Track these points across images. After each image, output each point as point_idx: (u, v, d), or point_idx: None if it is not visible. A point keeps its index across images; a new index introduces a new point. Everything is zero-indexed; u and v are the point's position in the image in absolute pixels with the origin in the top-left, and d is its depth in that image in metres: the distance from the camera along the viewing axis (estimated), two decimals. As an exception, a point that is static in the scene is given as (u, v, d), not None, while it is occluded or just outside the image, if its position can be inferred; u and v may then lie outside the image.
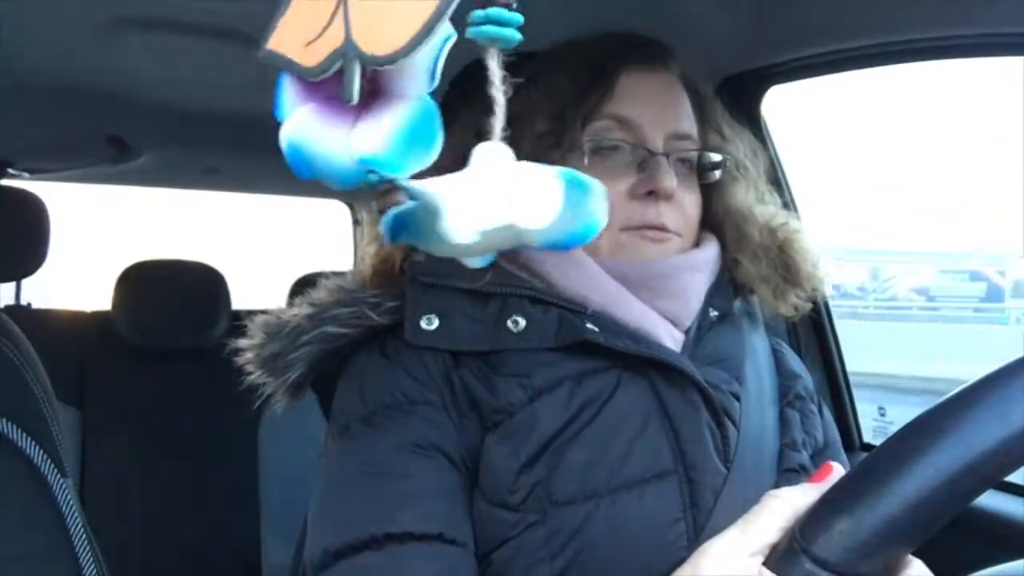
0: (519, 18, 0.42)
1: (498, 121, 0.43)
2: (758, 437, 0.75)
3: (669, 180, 0.75)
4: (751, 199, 0.83)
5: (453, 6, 0.39)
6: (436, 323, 0.73)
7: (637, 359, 0.73)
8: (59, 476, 0.78)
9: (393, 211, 0.45)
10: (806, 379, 0.87)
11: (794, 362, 0.88)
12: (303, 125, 0.43)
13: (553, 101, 0.75)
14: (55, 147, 1.80)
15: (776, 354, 0.86)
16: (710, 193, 0.82)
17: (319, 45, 0.41)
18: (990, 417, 0.44)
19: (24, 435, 0.76)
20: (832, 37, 1.07)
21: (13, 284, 1.96)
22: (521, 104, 0.74)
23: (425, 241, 0.44)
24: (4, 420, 0.75)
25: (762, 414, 0.78)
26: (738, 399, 0.76)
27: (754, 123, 1.23)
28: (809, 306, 0.84)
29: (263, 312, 0.79)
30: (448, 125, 0.43)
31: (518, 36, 0.42)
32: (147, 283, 1.84)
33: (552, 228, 0.43)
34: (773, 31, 1.09)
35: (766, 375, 0.82)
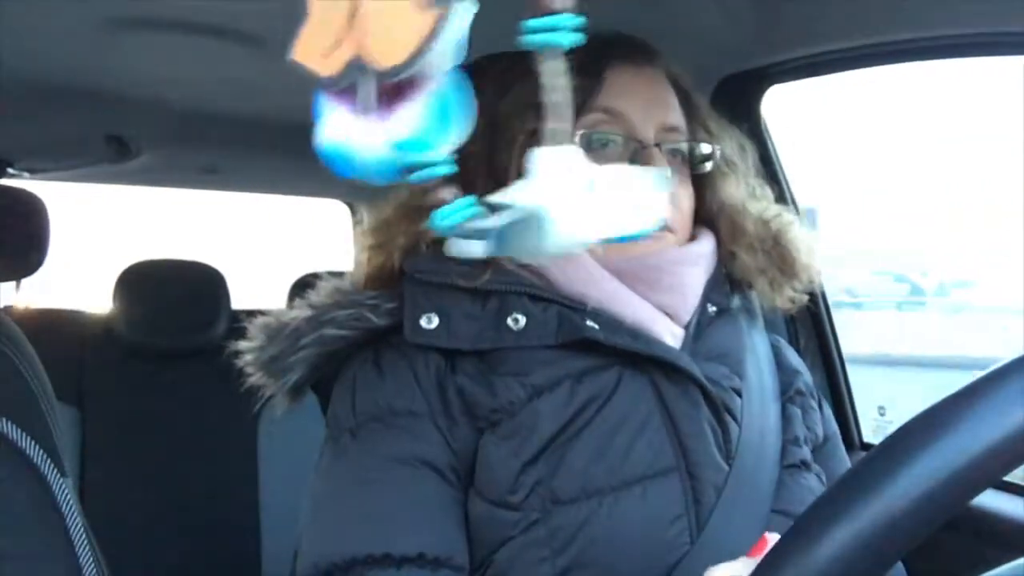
0: (571, 19, 0.42)
1: (562, 123, 0.43)
2: (760, 433, 0.76)
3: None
4: (743, 193, 0.83)
5: (456, 15, 0.39)
6: (436, 322, 0.73)
7: (637, 356, 0.73)
8: (59, 476, 0.78)
9: (477, 222, 0.44)
10: (805, 375, 0.87)
11: (793, 358, 0.88)
12: (338, 126, 0.43)
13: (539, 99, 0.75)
14: (55, 147, 1.80)
15: (775, 350, 0.87)
16: (702, 189, 0.82)
17: (335, 56, 0.42)
18: (985, 421, 0.44)
19: (24, 435, 0.76)
20: (832, 37, 1.07)
21: (13, 284, 1.95)
22: (510, 102, 0.74)
23: (505, 249, 0.44)
24: (4, 420, 0.75)
25: (764, 410, 0.78)
26: (739, 395, 0.76)
27: (754, 123, 1.23)
28: (806, 298, 0.85)
29: (263, 313, 0.79)
30: None
31: (572, 39, 0.42)
32: (147, 283, 1.84)
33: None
34: (773, 31, 1.09)
35: (767, 371, 0.82)
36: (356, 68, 0.41)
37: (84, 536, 0.78)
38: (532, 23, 0.42)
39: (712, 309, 0.81)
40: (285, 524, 1.70)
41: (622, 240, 0.45)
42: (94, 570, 0.77)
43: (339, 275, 0.81)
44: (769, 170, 1.14)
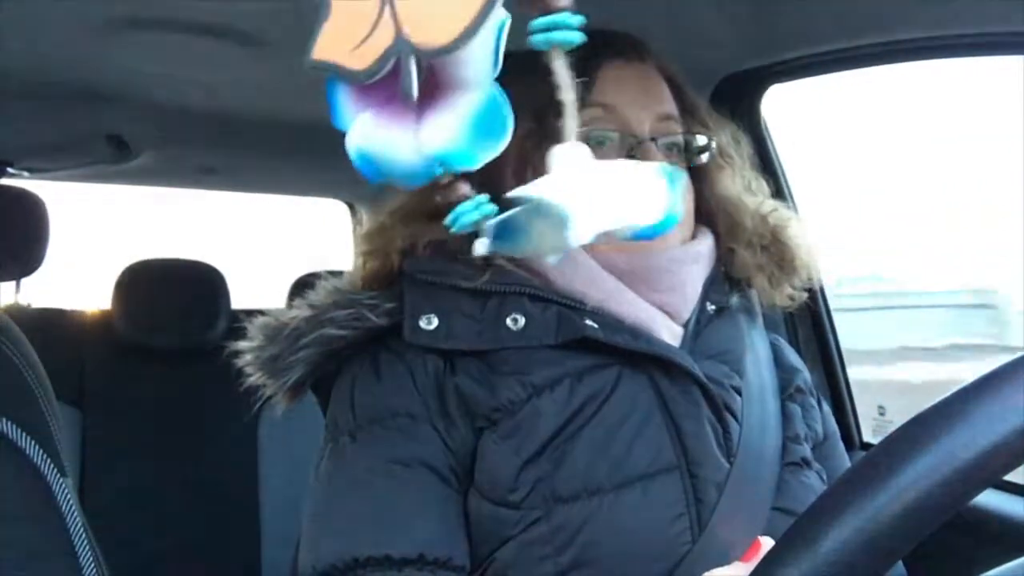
0: (579, 19, 0.42)
1: (571, 121, 0.44)
2: (760, 431, 0.76)
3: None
4: (739, 187, 0.83)
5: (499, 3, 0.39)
6: (435, 322, 0.73)
7: (637, 355, 0.73)
8: (59, 476, 0.78)
9: (497, 218, 0.45)
10: (805, 373, 0.87)
11: (792, 356, 0.89)
12: (368, 130, 0.43)
13: (535, 99, 0.75)
14: (55, 147, 1.80)
15: (774, 348, 0.87)
16: (699, 183, 0.82)
17: (367, 48, 0.41)
18: (985, 421, 0.44)
19: (24, 435, 0.76)
20: (832, 37, 1.07)
21: (13, 284, 1.95)
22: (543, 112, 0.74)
23: (527, 246, 0.44)
24: (4, 420, 0.75)
25: (764, 408, 0.78)
26: (739, 393, 0.76)
27: (754, 123, 1.23)
28: (805, 295, 0.85)
29: (262, 312, 0.79)
30: None
31: (579, 35, 0.43)
32: (147, 283, 1.84)
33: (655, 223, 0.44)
34: (773, 31, 1.09)
35: (766, 369, 0.82)
36: (396, 52, 0.40)
37: (84, 536, 0.78)
38: (538, 22, 0.42)
39: (711, 308, 0.81)
40: (285, 523, 1.70)
41: (638, 237, 0.45)
42: (94, 570, 0.77)
43: (339, 275, 0.81)
44: (769, 170, 1.14)
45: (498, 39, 0.40)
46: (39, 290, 1.93)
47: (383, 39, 0.40)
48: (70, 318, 1.84)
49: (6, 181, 1.79)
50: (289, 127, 1.56)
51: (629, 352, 0.72)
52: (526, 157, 0.72)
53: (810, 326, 1.32)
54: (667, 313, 0.76)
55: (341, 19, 0.43)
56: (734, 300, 0.84)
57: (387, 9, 0.41)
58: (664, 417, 0.71)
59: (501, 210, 0.45)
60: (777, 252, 0.82)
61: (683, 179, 0.45)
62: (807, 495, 0.73)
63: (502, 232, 0.45)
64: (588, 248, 0.75)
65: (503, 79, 0.43)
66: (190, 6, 1.05)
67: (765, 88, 1.23)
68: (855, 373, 1.35)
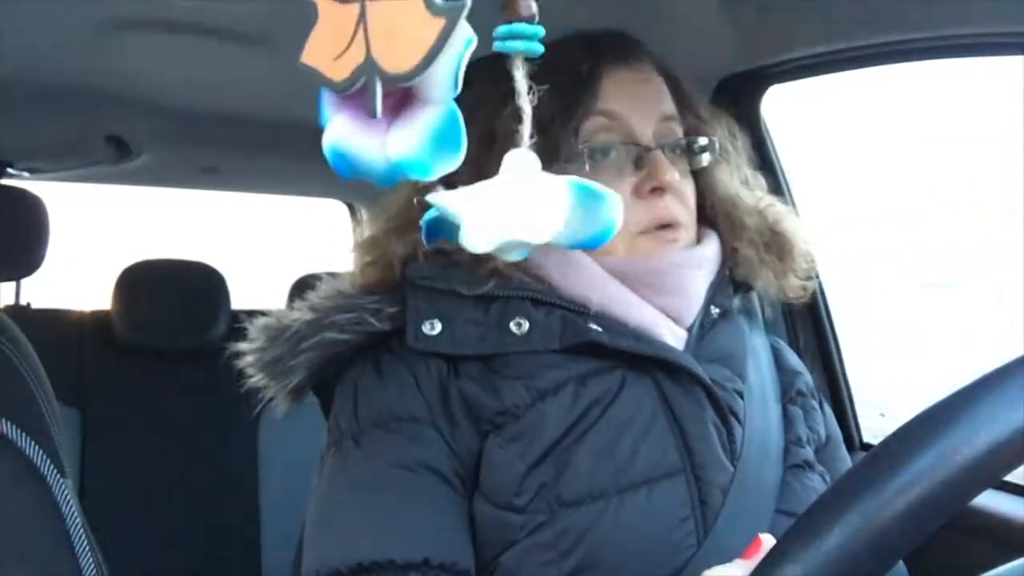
0: (540, 30, 0.44)
1: (526, 128, 0.46)
2: (764, 434, 0.76)
3: (670, 173, 0.75)
4: (736, 183, 0.83)
5: (459, 25, 0.41)
6: (438, 328, 0.72)
7: (641, 358, 0.73)
8: (59, 476, 0.78)
9: (427, 216, 0.49)
10: (806, 375, 0.87)
11: (793, 359, 0.89)
12: (342, 132, 0.45)
13: (538, 114, 0.74)
14: (55, 147, 1.80)
15: (775, 351, 0.87)
16: (698, 181, 0.82)
17: (344, 61, 0.43)
18: (984, 421, 0.44)
19: (24, 435, 0.76)
20: (831, 37, 1.07)
21: (13, 284, 1.95)
22: (505, 121, 0.73)
23: (458, 242, 0.47)
24: (4, 420, 0.75)
25: (766, 411, 0.78)
26: (742, 396, 0.76)
27: (754, 123, 1.23)
28: (810, 285, 0.84)
29: (263, 313, 0.79)
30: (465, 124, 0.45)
31: (540, 48, 0.44)
32: (147, 283, 1.84)
33: (564, 236, 0.46)
34: (773, 31, 1.09)
35: (767, 372, 0.82)
36: (365, 73, 0.43)
37: (84, 536, 0.78)
38: (501, 30, 0.44)
39: (715, 311, 0.81)
40: (285, 524, 1.70)
41: (576, 247, 0.48)
42: (94, 571, 0.77)
43: (339, 276, 0.80)
44: (769, 170, 1.14)
45: (461, 58, 0.42)
46: (39, 290, 1.93)
47: (356, 56, 0.43)
48: (70, 318, 1.85)
49: (6, 181, 1.79)
50: (289, 127, 1.56)
51: (633, 356, 0.72)
52: (480, 165, 0.72)
53: (810, 327, 1.32)
54: (671, 317, 0.76)
55: (326, 28, 0.44)
56: (736, 303, 0.84)
57: (361, 28, 0.43)
58: (668, 420, 0.71)
59: None
60: (777, 246, 0.82)
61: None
62: (810, 497, 0.73)
63: (435, 228, 0.49)
64: (604, 253, 0.75)
65: (503, 92, 0.46)
66: (190, 6, 1.05)
67: (765, 88, 1.23)
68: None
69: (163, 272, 1.88)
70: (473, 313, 0.73)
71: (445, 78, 0.42)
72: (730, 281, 0.83)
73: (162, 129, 1.64)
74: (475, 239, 0.45)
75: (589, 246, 0.48)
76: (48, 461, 0.77)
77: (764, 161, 1.15)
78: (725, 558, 0.63)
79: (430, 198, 0.46)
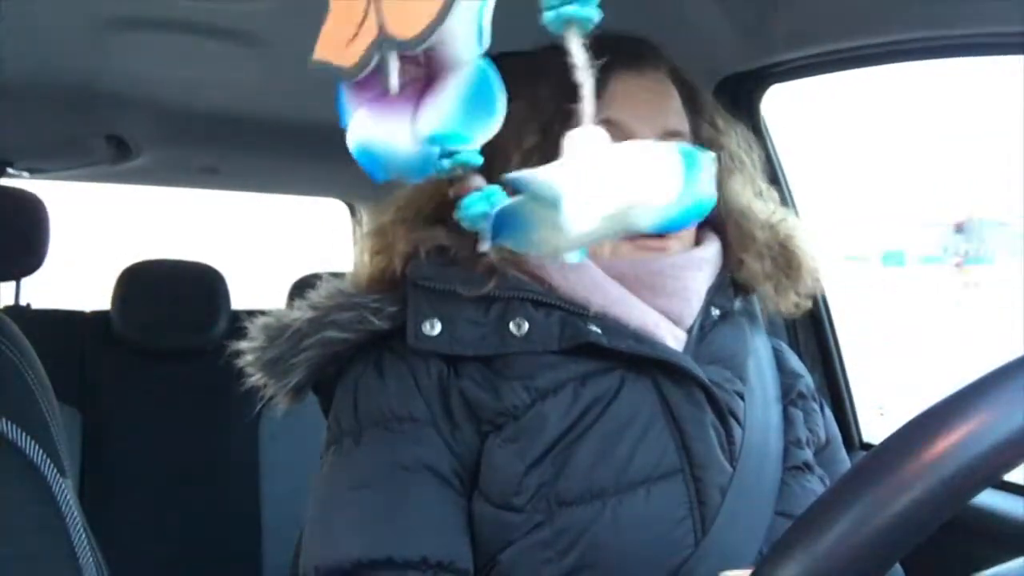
0: None
1: (588, 105, 0.41)
2: (763, 435, 0.76)
3: None
4: (749, 194, 0.83)
5: None
6: (439, 328, 0.72)
7: (640, 359, 0.73)
8: (59, 476, 0.78)
9: (499, 207, 0.42)
10: (806, 377, 0.87)
11: (794, 360, 0.88)
12: (365, 126, 0.43)
13: (540, 114, 0.74)
14: (55, 147, 1.80)
15: (776, 353, 0.87)
16: None
17: (357, 43, 0.41)
18: (984, 421, 0.44)
19: (24, 435, 0.76)
20: (832, 37, 1.07)
21: (13, 284, 1.95)
22: (506, 117, 0.73)
23: (532, 238, 0.42)
24: (4, 420, 0.75)
25: (766, 412, 0.78)
26: (742, 398, 0.76)
27: (754, 123, 1.23)
28: (810, 303, 0.84)
29: (263, 313, 0.79)
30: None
31: (598, 13, 0.40)
32: (147, 283, 1.84)
33: (671, 206, 0.41)
34: (773, 31, 1.09)
35: (768, 374, 0.82)
36: (377, 47, 0.40)
37: (84, 536, 0.78)
38: None
39: (716, 313, 0.80)
40: (286, 523, 1.70)
41: (659, 230, 0.42)
42: (94, 570, 0.77)
43: (340, 276, 0.80)
44: (770, 170, 1.14)
45: (480, 13, 0.39)
46: (39, 290, 1.93)
47: (367, 36, 0.41)
48: (70, 318, 1.85)
49: (6, 181, 1.80)
50: (289, 127, 1.56)
51: (632, 356, 0.72)
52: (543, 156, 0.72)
53: (810, 326, 1.32)
54: (671, 318, 0.76)
55: (337, 18, 0.43)
56: (737, 304, 0.84)
57: (372, 7, 0.41)
58: (668, 421, 0.71)
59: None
60: (784, 260, 0.82)
61: (706, 161, 0.42)
62: (809, 499, 0.73)
63: (502, 222, 0.43)
64: (591, 256, 0.75)
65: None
66: (190, 6, 1.05)
67: (765, 88, 1.23)
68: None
69: (163, 272, 1.88)
70: (473, 313, 0.73)
71: (466, 34, 0.39)
72: (731, 283, 0.83)
73: (162, 129, 1.64)
74: (581, 212, 0.38)
75: (686, 222, 0.42)
76: (48, 461, 0.77)
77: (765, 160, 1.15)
78: (723, 558, 0.63)
79: (513, 176, 0.40)
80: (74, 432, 1.69)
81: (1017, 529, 0.99)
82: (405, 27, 0.39)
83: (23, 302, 1.93)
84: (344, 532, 0.69)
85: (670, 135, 0.78)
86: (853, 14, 1.00)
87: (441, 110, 0.41)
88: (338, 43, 0.42)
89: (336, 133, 0.45)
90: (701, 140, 0.80)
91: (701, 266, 0.79)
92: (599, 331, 0.72)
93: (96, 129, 1.64)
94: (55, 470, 0.77)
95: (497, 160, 0.73)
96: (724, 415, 0.73)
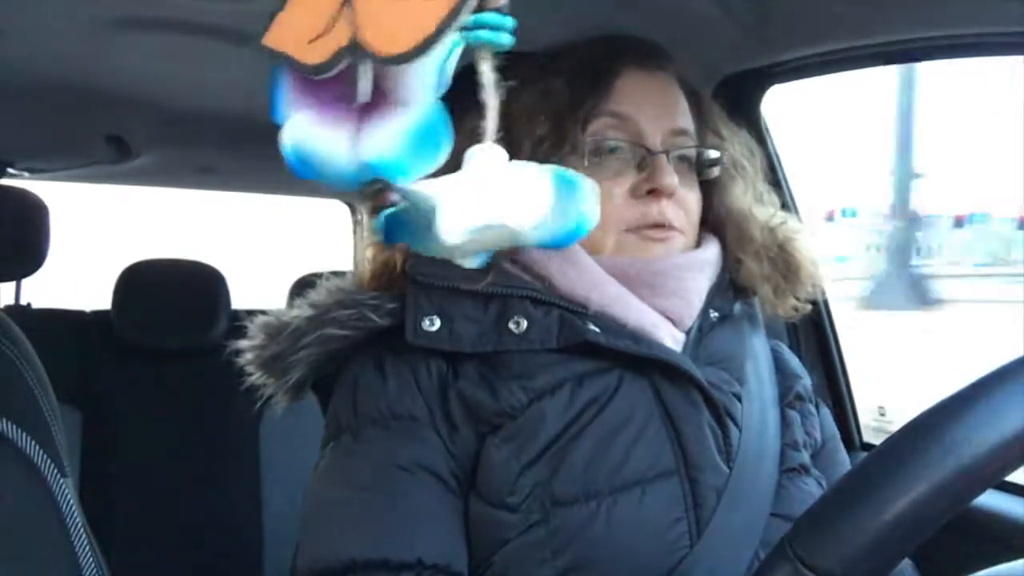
0: (511, 21, 0.41)
1: (490, 123, 0.43)
2: (760, 437, 0.76)
3: (670, 177, 0.75)
4: (750, 199, 0.83)
5: (470, 4, 0.38)
6: (437, 324, 0.72)
7: (638, 359, 0.73)
8: (59, 476, 0.78)
9: (387, 211, 0.46)
10: (805, 379, 0.87)
11: (793, 362, 0.88)
12: (305, 128, 0.43)
13: (551, 104, 0.75)
14: (55, 147, 1.80)
15: (776, 355, 0.87)
16: (710, 194, 0.82)
17: (323, 43, 0.40)
18: (985, 421, 0.44)
19: (24, 435, 0.76)
20: (832, 37, 1.07)
21: (13, 284, 1.96)
22: (519, 108, 0.74)
23: (418, 241, 0.44)
24: (4, 420, 0.75)
25: (763, 414, 0.78)
26: (739, 399, 0.76)
27: (754, 123, 1.23)
28: (809, 307, 0.85)
29: (263, 312, 0.79)
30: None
31: (510, 40, 0.41)
32: (147, 283, 1.84)
33: (543, 226, 0.43)
34: (773, 31, 1.09)
35: (766, 376, 0.82)
36: (350, 54, 0.40)
37: (84, 536, 0.77)
38: (479, 18, 0.40)
39: (714, 315, 0.80)
40: (286, 523, 1.70)
41: (545, 246, 0.45)
42: (94, 570, 0.77)
43: (340, 275, 0.80)
44: (770, 169, 1.14)
45: (447, 58, 0.40)
46: (39, 290, 1.93)
47: (338, 38, 0.40)
48: (70, 318, 1.85)
49: (6, 181, 1.80)
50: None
51: (630, 356, 0.72)
52: (540, 160, 0.72)
53: (811, 327, 1.32)
54: (670, 319, 0.76)
55: (297, 10, 0.42)
56: (737, 307, 0.84)
57: (346, 8, 0.40)
58: (664, 421, 0.71)
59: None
60: (783, 263, 0.82)
61: (585, 186, 0.44)
62: (805, 501, 0.73)
63: (392, 226, 0.46)
64: (594, 252, 0.75)
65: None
66: (190, 6, 1.05)
67: (765, 88, 1.23)
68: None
69: (163, 272, 1.88)
70: (472, 311, 0.73)
71: (430, 74, 0.40)
72: (730, 285, 0.83)
73: (162, 129, 1.64)
74: (451, 224, 0.41)
75: (565, 241, 0.44)
76: (48, 461, 0.77)
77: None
78: (718, 560, 0.63)
79: (402, 187, 0.42)
80: (74, 432, 1.69)
81: (1017, 529, 1.00)
82: (387, 42, 0.39)
83: (23, 302, 1.93)
84: (340, 531, 0.68)
85: (677, 134, 0.79)
86: (853, 14, 1.00)
87: (388, 140, 0.41)
88: (298, 36, 0.41)
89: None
90: (705, 147, 0.81)
91: (702, 267, 0.79)
92: (597, 330, 0.72)
93: (96, 129, 1.64)
94: (55, 470, 0.77)
95: (511, 149, 0.74)
96: (721, 417, 0.73)
